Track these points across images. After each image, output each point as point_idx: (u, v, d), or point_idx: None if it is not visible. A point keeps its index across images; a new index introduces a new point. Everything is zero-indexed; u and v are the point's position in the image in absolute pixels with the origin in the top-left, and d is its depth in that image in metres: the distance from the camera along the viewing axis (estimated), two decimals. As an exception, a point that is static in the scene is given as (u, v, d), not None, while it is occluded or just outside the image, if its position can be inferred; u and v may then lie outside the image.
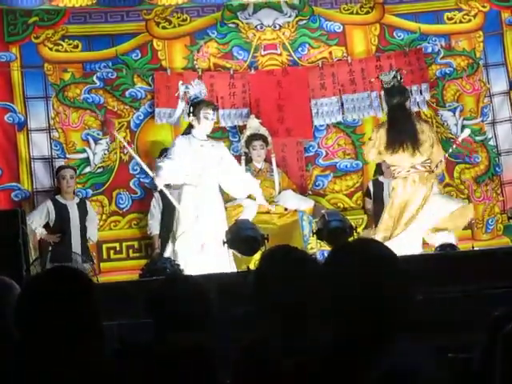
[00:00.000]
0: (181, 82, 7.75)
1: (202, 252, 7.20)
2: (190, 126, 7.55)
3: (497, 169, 9.20)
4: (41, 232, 8.10)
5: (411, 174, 7.63)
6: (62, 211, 8.15)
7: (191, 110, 7.49)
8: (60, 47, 8.86)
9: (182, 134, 7.64)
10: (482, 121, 9.26)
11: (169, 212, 8.42)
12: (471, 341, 3.24)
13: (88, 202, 8.46)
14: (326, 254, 7.33)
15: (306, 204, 8.50)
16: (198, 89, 7.64)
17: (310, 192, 9.02)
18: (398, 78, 7.83)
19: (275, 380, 2.30)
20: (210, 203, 7.38)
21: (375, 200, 8.64)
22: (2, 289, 3.28)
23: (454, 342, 4.23)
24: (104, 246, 8.74)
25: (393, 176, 7.77)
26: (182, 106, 7.71)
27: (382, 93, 8.97)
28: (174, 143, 7.59)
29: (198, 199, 7.38)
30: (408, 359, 2.00)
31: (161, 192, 8.47)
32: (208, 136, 7.63)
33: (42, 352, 2.30)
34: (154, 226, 8.49)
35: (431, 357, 2.07)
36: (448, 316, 5.31)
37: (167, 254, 7.48)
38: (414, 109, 9.09)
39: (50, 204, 8.18)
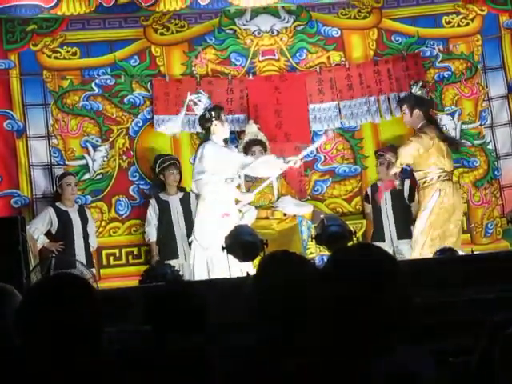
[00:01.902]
0: (189, 93, 7.89)
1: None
2: (208, 133, 7.63)
3: (496, 173, 9.21)
4: (43, 240, 8.10)
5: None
6: (64, 218, 8.18)
7: (213, 115, 7.60)
8: (58, 54, 8.87)
9: (204, 142, 7.66)
10: (481, 124, 9.26)
11: (165, 218, 8.44)
12: (471, 345, 3.24)
13: (87, 209, 8.49)
14: (325, 259, 7.34)
15: (304, 209, 8.51)
16: (206, 96, 7.77)
17: (309, 197, 9.02)
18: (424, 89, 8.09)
19: (275, 382, 2.30)
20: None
21: (373, 204, 8.66)
22: (3, 295, 3.28)
23: (453, 346, 4.23)
24: (104, 252, 8.75)
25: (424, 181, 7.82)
26: (183, 114, 7.79)
27: (381, 97, 9.03)
28: (206, 154, 7.55)
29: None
30: (408, 361, 2.01)
31: (157, 198, 8.50)
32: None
33: (42, 357, 2.30)
34: (151, 233, 8.50)
35: (431, 359, 2.08)
36: (448, 319, 5.31)
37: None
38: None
39: (51, 211, 8.21)
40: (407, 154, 7.85)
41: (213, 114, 7.64)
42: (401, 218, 8.50)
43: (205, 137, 7.79)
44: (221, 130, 7.65)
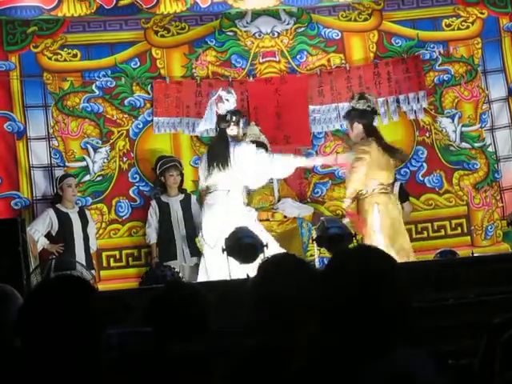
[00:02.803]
0: (221, 88, 7.84)
1: None
2: (224, 133, 7.61)
3: (496, 175, 9.20)
4: (43, 242, 8.11)
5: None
6: (64, 220, 8.18)
7: (233, 119, 7.59)
8: (59, 56, 8.87)
9: (220, 140, 7.65)
10: (481, 127, 9.26)
11: (166, 220, 8.44)
12: (471, 347, 3.24)
13: (87, 211, 8.49)
14: (325, 261, 7.34)
15: (305, 211, 8.52)
16: (235, 99, 7.75)
17: (309, 199, 9.02)
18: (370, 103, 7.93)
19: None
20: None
21: None
22: (3, 297, 3.28)
23: (453, 349, 4.23)
24: (104, 254, 8.75)
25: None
26: (210, 108, 7.79)
27: (379, 100, 9.03)
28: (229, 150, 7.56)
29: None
30: (407, 363, 2.01)
31: (157, 200, 8.50)
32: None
33: (43, 358, 2.30)
34: (152, 235, 8.50)
35: (430, 362, 2.08)
36: (447, 322, 5.31)
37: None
38: (411, 117, 9.12)
39: (52, 212, 8.21)
40: (356, 181, 7.69)
41: (233, 118, 7.59)
42: None
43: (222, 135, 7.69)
44: (236, 132, 7.63)
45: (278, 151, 8.77)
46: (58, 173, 8.57)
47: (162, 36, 9.09)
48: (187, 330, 3.01)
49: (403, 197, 8.65)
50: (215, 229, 7.30)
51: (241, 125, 7.73)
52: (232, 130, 7.61)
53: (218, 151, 7.51)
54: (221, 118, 7.60)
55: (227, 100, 7.66)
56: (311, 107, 9.06)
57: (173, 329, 3.01)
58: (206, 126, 7.84)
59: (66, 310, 2.33)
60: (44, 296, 2.39)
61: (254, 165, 7.43)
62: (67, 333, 2.30)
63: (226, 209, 7.39)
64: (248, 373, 2.47)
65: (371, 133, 7.83)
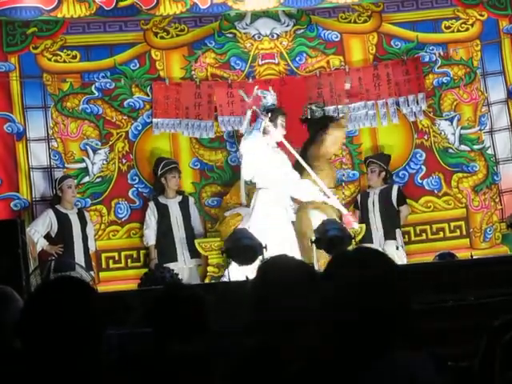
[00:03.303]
0: (256, 87, 7.96)
1: None
2: (263, 132, 7.71)
3: (495, 177, 9.21)
4: (42, 243, 8.11)
5: None
6: (63, 220, 8.19)
7: (269, 116, 7.68)
8: (58, 57, 8.87)
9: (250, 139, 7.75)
10: (480, 130, 9.26)
11: (164, 222, 8.44)
12: (471, 349, 3.24)
13: (86, 212, 8.50)
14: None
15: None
16: (273, 96, 7.77)
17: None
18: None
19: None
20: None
21: (362, 209, 8.74)
22: (3, 298, 3.29)
23: (453, 350, 4.23)
24: (103, 256, 8.75)
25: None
26: (249, 112, 7.86)
27: (379, 102, 9.04)
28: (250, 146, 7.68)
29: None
30: (407, 364, 2.01)
31: (155, 202, 8.50)
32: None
33: (43, 359, 2.31)
34: (150, 236, 8.50)
35: (430, 363, 2.08)
36: (447, 324, 5.32)
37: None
38: (411, 119, 9.12)
39: (51, 213, 8.22)
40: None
41: (269, 114, 7.68)
42: (387, 221, 8.59)
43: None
44: (272, 131, 7.70)
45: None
46: (58, 174, 8.58)
47: (162, 38, 9.09)
48: (187, 331, 3.01)
49: (401, 200, 8.70)
50: None
51: (278, 122, 7.74)
52: (268, 127, 7.65)
53: None
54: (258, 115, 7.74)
55: (264, 97, 7.76)
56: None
57: (172, 329, 3.02)
58: (248, 126, 7.97)
59: (67, 311, 2.33)
60: (45, 297, 2.39)
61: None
62: (68, 333, 2.30)
63: None
64: (248, 373, 2.47)
65: (314, 140, 8.32)
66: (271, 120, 7.70)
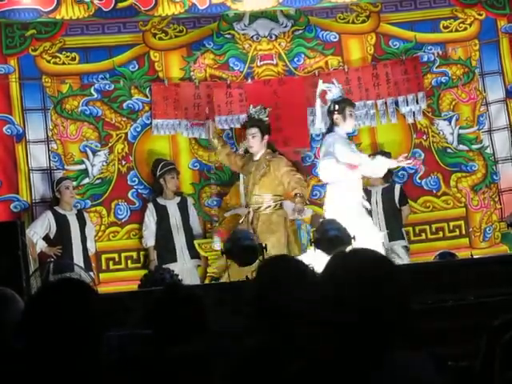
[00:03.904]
0: (321, 81, 8.02)
1: None
2: (332, 125, 7.74)
3: (494, 177, 9.21)
4: (41, 245, 8.12)
5: None
6: (62, 222, 8.20)
7: (336, 108, 7.69)
8: (58, 59, 8.87)
9: (327, 133, 7.80)
10: (479, 129, 9.27)
11: (164, 223, 8.44)
12: (471, 349, 3.24)
13: (85, 213, 8.50)
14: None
15: (303, 213, 8.49)
16: (339, 88, 7.82)
17: (307, 202, 9.02)
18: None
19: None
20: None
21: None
22: (4, 300, 3.29)
23: (453, 350, 4.23)
24: (103, 257, 8.76)
25: None
26: (319, 104, 7.94)
27: (379, 102, 9.05)
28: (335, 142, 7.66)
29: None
30: (407, 364, 2.01)
31: (154, 203, 8.51)
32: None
33: (44, 361, 2.31)
34: (149, 238, 8.51)
35: (430, 362, 2.08)
36: (447, 324, 5.32)
37: None
38: (410, 120, 9.12)
39: (50, 215, 8.22)
40: None
41: (336, 106, 7.74)
42: (392, 220, 8.57)
43: (329, 128, 7.87)
44: (341, 123, 7.74)
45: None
46: (57, 176, 8.58)
47: (160, 39, 9.10)
48: (187, 331, 3.01)
49: (403, 200, 8.69)
50: None
51: (347, 113, 7.77)
52: (337, 119, 7.69)
53: None
54: (327, 109, 7.82)
55: (329, 90, 7.83)
56: (309, 109, 9.06)
57: (172, 330, 3.02)
58: (321, 124, 8.03)
59: (68, 312, 2.34)
60: (46, 298, 2.39)
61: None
62: (68, 334, 2.31)
63: None
64: (248, 373, 2.48)
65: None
66: (339, 112, 7.72)
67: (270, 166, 7.94)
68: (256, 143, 8.03)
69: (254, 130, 8.04)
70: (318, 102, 8.04)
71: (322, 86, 7.90)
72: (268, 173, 7.92)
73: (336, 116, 7.70)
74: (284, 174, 7.92)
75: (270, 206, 7.81)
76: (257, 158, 8.08)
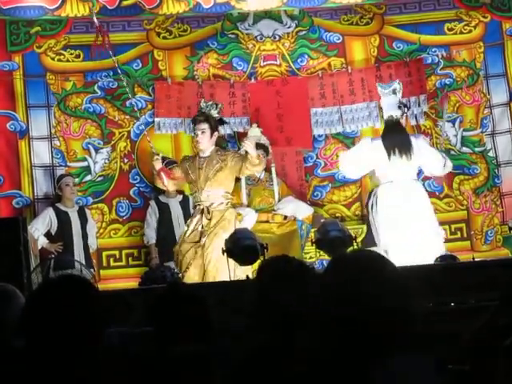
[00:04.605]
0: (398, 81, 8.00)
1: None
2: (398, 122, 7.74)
3: (496, 180, 9.21)
4: (42, 241, 8.13)
5: None
6: (63, 218, 8.21)
7: (404, 110, 7.75)
8: (62, 57, 8.90)
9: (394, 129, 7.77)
10: (482, 132, 9.27)
11: (165, 221, 8.45)
12: (471, 352, 3.24)
13: (87, 210, 8.52)
14: (325, 264, 7.35)
15: (304, 211, 8.49)
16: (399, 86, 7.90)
17: (309, 202, 9.03)
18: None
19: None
20: None
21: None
22: (5, 296, 3.29)
23: (453, 354, 4.23)
24: (104, 254, 8.77)
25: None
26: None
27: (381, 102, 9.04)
28: None
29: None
30: (407, 369, 2.01)
31: (156, 200, 8.52)
32: None
33: (45, 359, 2.31)
34: (151, 235, 8.52)
35: (431, 368, 2.08)
36: (447, 327, 5.31)
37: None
38: (412, 122, 9.12)
39: (51, 211, 8.24)
40: None
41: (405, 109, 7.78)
42: None
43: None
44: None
45: (280, 153, 8.85)
46: (60, 172, 8.60)
47: (164, 38, 9.11)
48: (188, 331, 3.02)
49: None
50: None
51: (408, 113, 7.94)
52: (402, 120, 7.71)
53: (398, 140, 7.65)
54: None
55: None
56: (313, 110, 9.07)
57: (174, 329, 3.02)
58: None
59: (69, 309, 2.34)
60: (46, 295, 2.40)
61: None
62: (69, 331, 2.31)
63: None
64: (248, 373, 2.48)
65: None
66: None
67: (226, 161, 7.58)
68: (205, 139, 7.65)
69: (204, 126, 7.69)
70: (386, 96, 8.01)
71: (395, 86, 7.93)
72: (224, 167, 7.59)
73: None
74: (238, 159, 7.56)
75: (222, 203, 7.59)
76: (206, 154, 7.66)
